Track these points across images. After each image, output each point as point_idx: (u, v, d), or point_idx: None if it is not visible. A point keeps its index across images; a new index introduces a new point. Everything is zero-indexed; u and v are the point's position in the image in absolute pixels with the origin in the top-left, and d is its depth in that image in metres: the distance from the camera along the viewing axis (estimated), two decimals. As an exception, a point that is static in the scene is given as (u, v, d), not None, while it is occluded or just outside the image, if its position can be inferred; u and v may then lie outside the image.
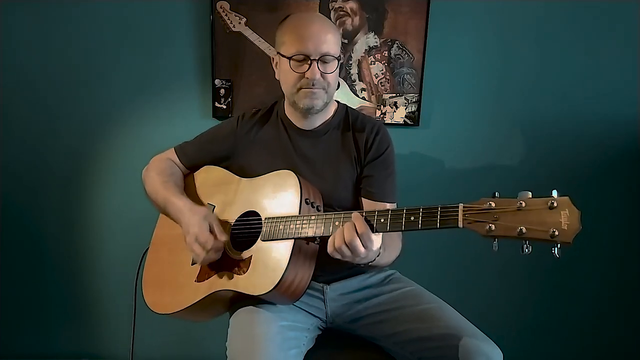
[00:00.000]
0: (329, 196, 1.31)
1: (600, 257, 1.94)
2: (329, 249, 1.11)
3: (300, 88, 1.31)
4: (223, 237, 1.28)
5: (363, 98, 1.87)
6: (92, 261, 2.04)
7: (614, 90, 1.87)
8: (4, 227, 1.99)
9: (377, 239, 1.10)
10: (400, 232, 1.35)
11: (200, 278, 1.31)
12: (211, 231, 1.27)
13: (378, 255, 1.15)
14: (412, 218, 1.03)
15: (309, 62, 1.28)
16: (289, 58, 1.29)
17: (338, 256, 1.11)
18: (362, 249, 1.07)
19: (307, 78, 1.29)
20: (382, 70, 1.85)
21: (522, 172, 1.94)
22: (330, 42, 1.29)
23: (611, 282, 2.00)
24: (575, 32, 1.83)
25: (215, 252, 1.26)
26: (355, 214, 1.09)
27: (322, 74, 1.30)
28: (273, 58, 1.39)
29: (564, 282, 1.99)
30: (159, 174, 1.45)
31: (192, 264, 1.34)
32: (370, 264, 1.17)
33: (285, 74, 1.33)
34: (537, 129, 1.91)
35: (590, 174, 1.93)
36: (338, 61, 1.32)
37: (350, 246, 1.07)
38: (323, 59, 1.29)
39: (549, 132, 1.91)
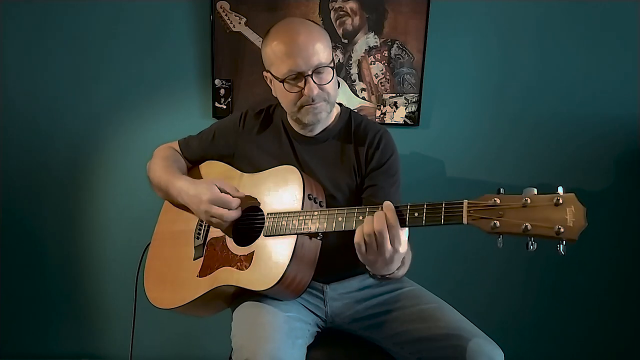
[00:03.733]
0: (327, 204, 1.28)
1: (600, 257, 1.94)
2: (356, 238, 1.06)
3: (302, 106, 1.27)
4: (239, 193, 1.30)
5: (363, 98, 1.87)
6: (92, 260, 2.03)
7: (614, 90, 1.87)
8: (4, 227, 1.99)
9: (404, 241, 1.05)
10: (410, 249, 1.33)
11: (203, 273, 1.31)
12: (223, 191, 1.29)
13: (397, 269, 1.12)
14: (416, 214, 1.02)
15: (303, 78, 1.23)
16: (282, 81, 1.25)
17: (363, 249, 1.05)
18: (388, 244, 1.02)
19: (306, 95, 1.24)
20: (382, 70, 1.85)
21: (522, 172, 1.93)
22: (320, 50, 1.23)
23: (611, 282, 2.00)
24: (575, 32, 1.83)
25: (237, 209, 1.28)
26: (387, 204, 1.04)
27: (320, 87, 1.25)
28: (266, 76, 1.33)
29: (564, 281, 1.99)
30: (163, 159, 1.45)
31: (194, 259, 1.35)
32: (388, 276, 1.13)
33: (282, 93, 1.29)
34: (537, 129, 1.91)
35: (590, 173, 1.93)
36: (332, 69, 1.27)
37: (379, 236, 1.02)
38: (317, 71, 1.23)
39: (549, 132, 1.91)
